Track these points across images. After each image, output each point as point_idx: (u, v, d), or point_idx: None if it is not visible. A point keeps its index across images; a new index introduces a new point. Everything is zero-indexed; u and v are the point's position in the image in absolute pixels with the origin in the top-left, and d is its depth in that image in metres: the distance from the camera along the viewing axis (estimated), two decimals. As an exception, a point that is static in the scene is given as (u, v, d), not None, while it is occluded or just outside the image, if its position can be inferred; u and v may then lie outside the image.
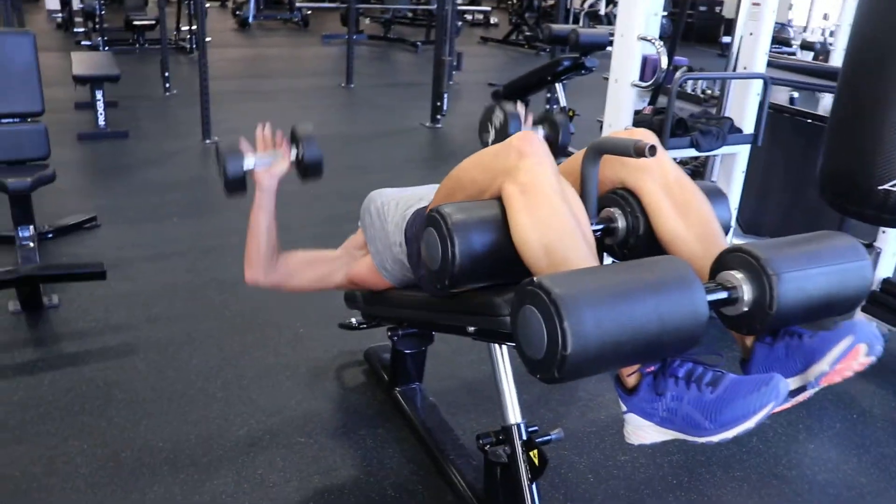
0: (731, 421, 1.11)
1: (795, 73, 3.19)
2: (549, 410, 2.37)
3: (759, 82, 2.79)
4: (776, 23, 9.61)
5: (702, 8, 13.35)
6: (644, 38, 2.41)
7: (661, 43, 2.38)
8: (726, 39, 6.41)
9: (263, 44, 10.70)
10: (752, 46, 2.72)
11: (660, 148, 1.40)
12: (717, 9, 13.38)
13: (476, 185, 1.44)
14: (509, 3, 14.70)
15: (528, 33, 11.61)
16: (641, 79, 3.52)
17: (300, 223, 3.72)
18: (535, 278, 1.06)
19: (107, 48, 7.99)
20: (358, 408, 2.30)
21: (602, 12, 12.33)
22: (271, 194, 1.88)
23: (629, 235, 1.41)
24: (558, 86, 5.55)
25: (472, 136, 6.13)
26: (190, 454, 2.04)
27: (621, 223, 1.42)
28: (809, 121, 3.06)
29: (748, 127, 2.83)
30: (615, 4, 13.08)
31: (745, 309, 1.19)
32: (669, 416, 1.18)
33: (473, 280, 1.35)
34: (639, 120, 2.57)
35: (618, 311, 1.02)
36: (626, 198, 1.42)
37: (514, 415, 1.66)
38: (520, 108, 2.14)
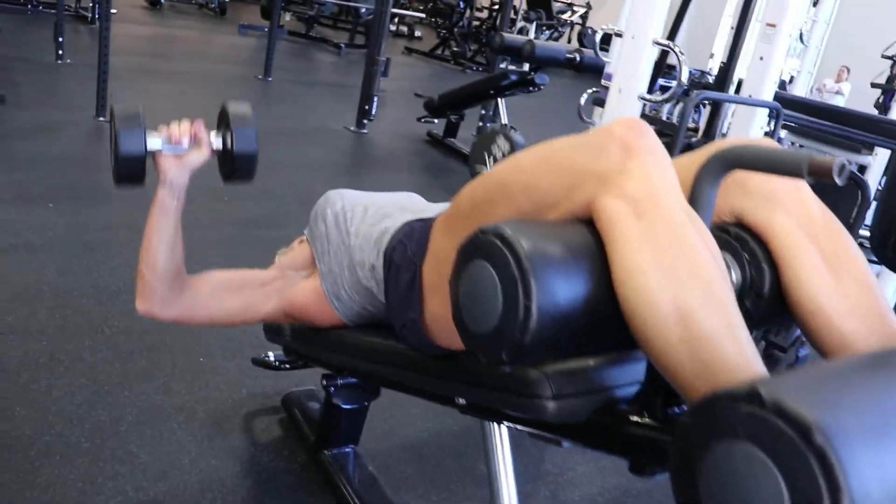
0: None
1: (804, 112, 2.90)
2: (512, 487, 1.90)
3: (765, 114, 2.46)
4: (695, 70, 9.63)
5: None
6: (660, 44, 2.01)
7: (681, 49, 1.98)
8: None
9: (175, 25, 9.87)
10: (761, 72, 2.38)
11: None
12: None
13: (540, 195, 0.92)
14: (436, 19, 14.36)
15: (455, 49, 11.27)
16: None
17: (202, 227, 3.11)
18: (759, 388, 0.57)
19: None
20: (273, 473, 1.76)
21: (531, 37, 12.16)
22: (180, 193, 1.34)
23: (747, 294, 0.96)
24: (500, 101, 5.15)
25: (400, 144, 5.69)
26: (33, 535, 1.45)
27: (735, 275, 0.95)
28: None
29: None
30: (541, 30, 12.97)
31: None
32: None
33: (549, 352, 0.84)
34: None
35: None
36: (743, 239, 0.96)
37: (513, 524, 1.19)
38: (519, 137, 1.67)
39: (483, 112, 6.31)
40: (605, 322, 0.82)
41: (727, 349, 0.77)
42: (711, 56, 11.45)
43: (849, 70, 9.73)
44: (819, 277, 0.94)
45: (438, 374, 1.15)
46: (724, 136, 2.53)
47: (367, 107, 5.53)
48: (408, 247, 1.20)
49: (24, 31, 6.77)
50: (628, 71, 2.10)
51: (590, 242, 0.83)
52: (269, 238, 3.11)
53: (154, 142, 1.30)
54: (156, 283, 1.35)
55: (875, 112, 5.62)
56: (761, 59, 2.38)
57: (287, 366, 1.90)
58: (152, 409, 1.89)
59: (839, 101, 9.85)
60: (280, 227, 3.27)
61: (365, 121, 5.59)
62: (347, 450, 1.81)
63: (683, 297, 0.78)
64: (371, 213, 1.37)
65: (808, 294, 0.94)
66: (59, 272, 2.49)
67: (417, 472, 1.88)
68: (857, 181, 2.63)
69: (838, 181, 0.75)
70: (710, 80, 10.13)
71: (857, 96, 9.06)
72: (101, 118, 4.40)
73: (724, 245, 0.97)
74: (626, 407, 1.00)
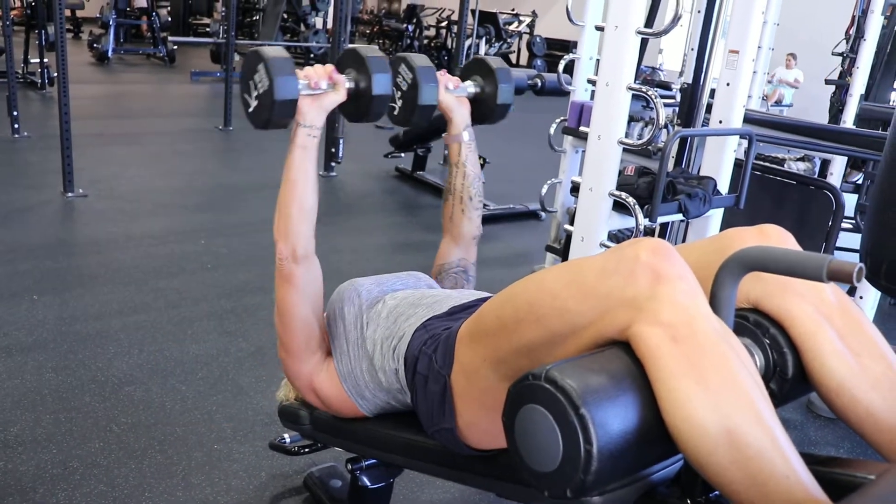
0: None
1: (774, 128, 2.99)
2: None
3: (736, 138, 2.53)
4: (645, 66, 9.71)
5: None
6: (633, 89, 2.06)
7: (657, 94, 2.04)
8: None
9: (126, 80, 9.79)
10: (729, 98, 2.45)
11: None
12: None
13: (570, 318, 0.95)
14: (384, 41, 14.45)
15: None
16: (577, 127, 3.22)
17: (192, 300, 3.10)
18: None
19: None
20: (307, 562, 1.77)
21: (482, 53, 12.31)
22: (318, 132, 1.40)
23: (770, 379, 1.00)
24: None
25: (371, 183, 5.70)
26: None
27: (758, 360, 1.00)
28: (775, 178, 2.83)
29: (723, 186, 2.55)
30: (491, 44, 13.11)
31: None
32: None
33: (609, 482, 0.88)
34: (621, 182, 2.22)
35: None
36: (762, 325, 1.01)
37: None
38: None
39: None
40: (656, 440, 0.85)
41: (776, 463, 0.82)
42: (661, 51, 11.66)
43: (795, 56, 9.98)
44: (839, 358, 0.99)
45: (474, 470, 1.17)
46: (699, 168, 2.59)
47: (333, 150, 5.55)
48: (432, 358, 1.22)
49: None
50: (605, 118, 2.15)
51: (632, 371, 0.87)
52: (260, 303, 3.11)
53: (299, 84, 1.37)
54: (302, 220, 1.39)
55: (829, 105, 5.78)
56: (728, 84, 2.45)
57: (306, 450, 1.90)
58: (175, 509, 1.88)
59: (790, 88, 10.11)
60: (269, 290, 3.23)
61: (332, 163, 5.60)
62: (378, 527, 1.81)
63: (730, 420, 0.82)
64: (385, 316, 1.40)
65: (830, 375, 0.99)
66: (56, 371, 2.46)
67: (447, 538, 1.90)
68: (829, 190, 2.71)
69: (857, 284, 0.79)
70: (661, 76, 10.30)
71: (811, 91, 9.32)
72: (70, 194, 4.36)
73: (744, 331, 1.01)
74: (667, 490, 1.03)
